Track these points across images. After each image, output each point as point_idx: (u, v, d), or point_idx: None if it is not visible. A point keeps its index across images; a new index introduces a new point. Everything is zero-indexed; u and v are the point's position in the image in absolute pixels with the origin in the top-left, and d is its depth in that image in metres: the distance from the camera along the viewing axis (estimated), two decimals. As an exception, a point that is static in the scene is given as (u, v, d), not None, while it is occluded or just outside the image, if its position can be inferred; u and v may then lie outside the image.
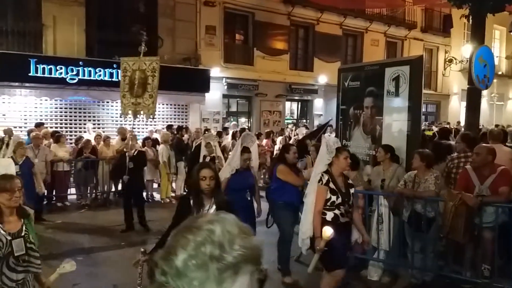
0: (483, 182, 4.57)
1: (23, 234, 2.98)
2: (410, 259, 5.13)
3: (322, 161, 4.30)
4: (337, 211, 4.14)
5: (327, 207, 4.13)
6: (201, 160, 7.82)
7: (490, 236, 4.61)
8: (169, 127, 12.19)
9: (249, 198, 5.25)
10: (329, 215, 4.13)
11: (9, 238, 2.90)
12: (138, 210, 7.58)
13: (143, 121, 13.08)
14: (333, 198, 4.12)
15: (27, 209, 3.14)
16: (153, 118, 8.20)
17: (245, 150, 5.29)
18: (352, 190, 4.34)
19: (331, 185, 4.14)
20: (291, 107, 19.11)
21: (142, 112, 7.77)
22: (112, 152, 9.63)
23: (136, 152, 7.70)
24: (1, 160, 3.21)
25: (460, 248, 4.91)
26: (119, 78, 8.75)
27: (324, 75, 17.51)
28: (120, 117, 8.95)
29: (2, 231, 2.90)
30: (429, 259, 4.98)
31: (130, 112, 7.73)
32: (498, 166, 4.61)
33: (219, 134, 12.05)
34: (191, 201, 3.27)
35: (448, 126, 15.39)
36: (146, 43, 7.84)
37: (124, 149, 7.80)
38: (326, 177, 4.15)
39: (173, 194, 10.21)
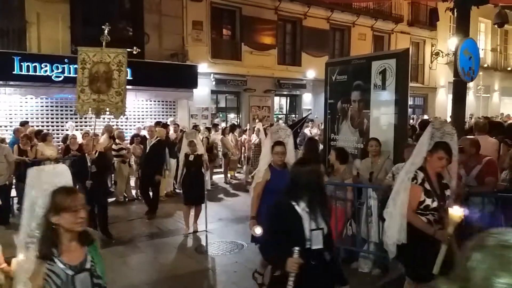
0: (469, 173, 4.63)
1: (88, 266, 2.27)
2: (399, 250, 5.17)
3: (420, 153, 3.52)
4: (430, 217, 3.49)
5: (420, 211, 3.49)
6: (181, 158, 7.43)
7: (477, 226, 4.67)
8: (158, 123, 12.11)
9: None
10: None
11: (70, 273, 2.19)
12: (100, 218, 6.73)
13: (127, 119, 13.01)
14: (428, 201, 3.46)
15: (91, 232, 2.38)
16: (125, 117, 7.62)
17: (278, 143, 4.60)
18: (448, 192, 3.60)
19: (427, 185, 3.48)
20: (280, 102, 19.14)
21: (107, 110, 6.96)
22: (100, 149, 9.52)
23: (97, 154, 6.86)
24: (57, 166, 2.34)
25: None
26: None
27: (312, 70, 17.56)
28: (75, 114, 8.07)
29: (60, 264, 2.17)
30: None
31: (90, 109, 6.92)
32: (484, 157, 4.67)
33: (208, 130, 12.01)
34: (298, 207, 2.71)
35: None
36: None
37: (86, 151, 6.92)
38: (421, 175, 3.47)
39: (165, 192, 10.12)
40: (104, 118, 10.05)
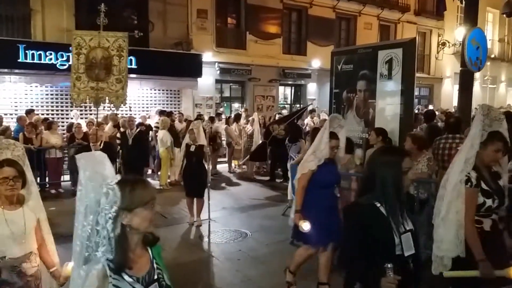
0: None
1: (155, 276, 1.85)
2: (402, 240, 5.17)
3: (474, 146, 3.09)
4: (494, 217, 3.13)
5: (482, 213, 3.10)
6: (183, 149, 7.19)
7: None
8: (162, 112, 12.11)
9: (338, 195, 4.37)
10: (487, 223, 3.09)
11: (138, 287, 1.77)
12: None
13: (130, 109, 12.92)
14: (489, 202, 3.05)
15: (154, 230, 1.93)
16: (126, 106, 6.95)
17: (333, 136, 4.26)
18: (501, 183, 3.20)
19: (483, 185, 3.07)
20: (285, 92, 19.05)
21: (107, 100, 6.48)
22: (105, 138, 9.56)
23: (102, 144, 6.54)
24: (96, 154, 1.81)
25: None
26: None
27: (317, 59, 17.45)
28: (71, 105, 7.29)
29: (127, 278, 1.73)
30: (422, 239, 5.02)
31: (88, 98, 6.47)
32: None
33: (211, 120, 12.00)
34: (383, 208, 2.27)
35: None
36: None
37: (90, 141, 6.64)
38: (474, 175, 3.05)
39: (168, 180, 10.18)
40: (107, 107, 10.02)
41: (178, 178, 7.24)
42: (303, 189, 4.20)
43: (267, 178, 10.89)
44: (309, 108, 14.00)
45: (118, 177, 1.74)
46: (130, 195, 1.70)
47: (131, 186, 1.72)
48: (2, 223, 2.67)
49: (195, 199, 7.18)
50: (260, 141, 10.83)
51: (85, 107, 12.62)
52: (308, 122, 13.39)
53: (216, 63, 15.43)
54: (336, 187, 4.33)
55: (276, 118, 12.44)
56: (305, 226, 3.94)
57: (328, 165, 4.23)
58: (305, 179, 4.21)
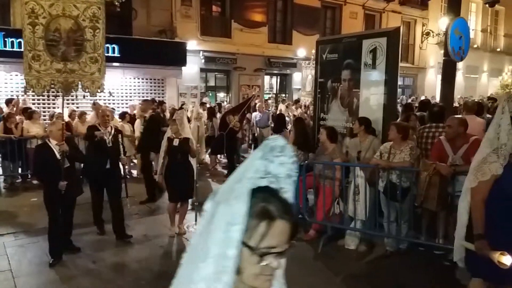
0: (456, 152, 4.67)
1: None
2: (385, 228, 5.26)
3: None
4: None
5: None
6: (164, 143, 5.95)
7: (462, 204, 4.73)
8: (153, 101, 11.93)
9: None
10: None
11: None
12: (68, 227, 5.29)
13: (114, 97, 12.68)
14: None
15: None
16: (102, 92, 5.18)
17: None
18: None
19: None
20: (270, 81, 19.01)
21: (80, 85, 4.93)
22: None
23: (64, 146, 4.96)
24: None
25: (433, 217, 5.06)
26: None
27: (303, 49, 17.42)
28: (25, 92, 5.48)
29: None
30: (404, 228, 5.12)
31: (54, 84, 4.90)
32: (471, 136, 4.71)
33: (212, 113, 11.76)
34: None
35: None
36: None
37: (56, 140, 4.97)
38: None
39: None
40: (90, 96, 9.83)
41: (159, 179, 6.02)
42: (483, 203, 2.92)
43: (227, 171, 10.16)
44: (255, 98, 13.56)
45: None
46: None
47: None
48: None
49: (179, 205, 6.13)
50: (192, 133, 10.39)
51: (72, 96, 12.28)
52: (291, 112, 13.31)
53: (201, 52, 15.29)
54: None
55: (226, 107, 11.93)
56: (507, 260, 2.63)
57: None
58: (486, 188, 2.90)
